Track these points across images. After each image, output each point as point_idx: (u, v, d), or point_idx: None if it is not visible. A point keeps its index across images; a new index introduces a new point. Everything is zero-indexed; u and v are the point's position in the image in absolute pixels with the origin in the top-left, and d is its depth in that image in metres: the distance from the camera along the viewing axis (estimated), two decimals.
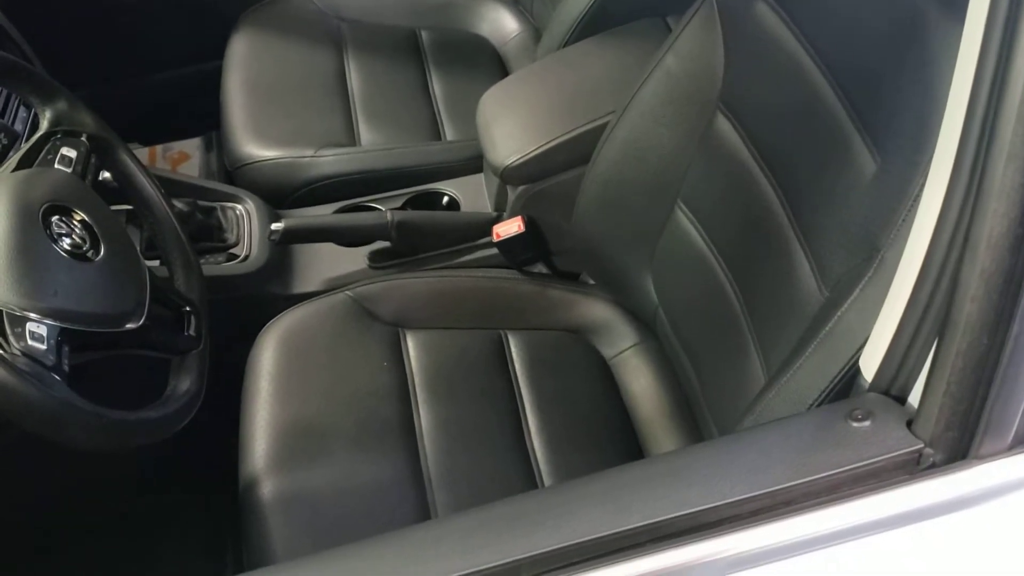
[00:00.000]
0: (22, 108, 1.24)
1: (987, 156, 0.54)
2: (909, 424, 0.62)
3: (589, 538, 0.58)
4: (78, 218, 0.95)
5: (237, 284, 1.39)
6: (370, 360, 1.27)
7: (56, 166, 0.99)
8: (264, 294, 1.41)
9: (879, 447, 0.60)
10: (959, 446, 0.59)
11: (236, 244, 1.41)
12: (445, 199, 1.54)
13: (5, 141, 1.12)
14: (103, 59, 1.81)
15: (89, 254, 0.94)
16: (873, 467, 0.59)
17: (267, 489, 1.13)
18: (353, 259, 1.46)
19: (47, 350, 0.85)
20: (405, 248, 1.43)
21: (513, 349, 1.33)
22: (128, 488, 1.43)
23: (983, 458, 0.59)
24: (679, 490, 0.59)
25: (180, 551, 1.39)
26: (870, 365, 0.66)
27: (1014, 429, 0.59)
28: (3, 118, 1.18)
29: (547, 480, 1.19)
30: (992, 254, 0.53)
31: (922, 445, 0.60)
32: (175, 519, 1.42)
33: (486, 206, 1.51)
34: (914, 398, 0.63)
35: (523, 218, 1.38)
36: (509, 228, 1.38)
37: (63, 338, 0.87)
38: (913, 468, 0.60)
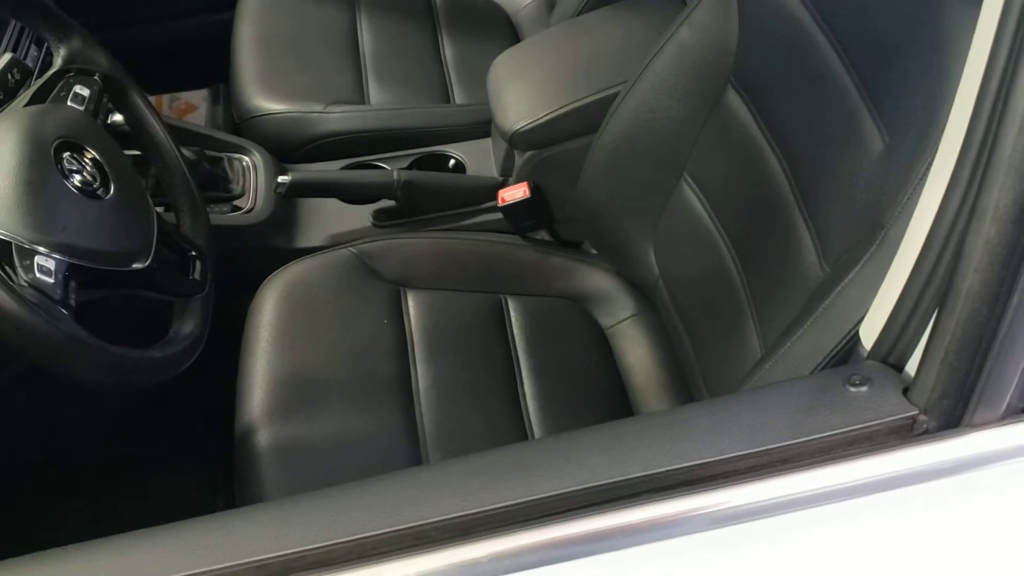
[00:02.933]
0: (34, 46, 1.24)
1: (999, 129, 0.54)
2: (905, 391, 0.63)
3: (587, 486, 0.59)
4: (89, 156, 0.95)
5: (241, 235, 1.39)
6: (370, 317, 1.28)
7: (69, 103, 1.00)
8: (267, 246, 1.42)
9: (875, 412, 0.61)
10: (953, 414, 0.60)
11: (241, 195, 1.42)
12: (451, 162, 1.55)
13: (18, 76, 1.12)
14: (114, 4, 1.81)
15: (99, 192, 0.94)
16: (868, 431, 0.60)
17: (263, 437, 1.14)
18: (357, 216, 1.46)
19: (54, 284, 0.85)
20: (410, 208, 1.44)
21: (512, 314, 1.34)
22: (125, 430, 1.44)
23: (975, 427, 0.60)
24: (678, 443, 0.60)
25: (172, 495, 1.40)
26: (870, 333, 0.68)
27: (1007, 400, 0.60)
28: (16, 53, 1.18)
29: None
30: (997, 226, 0.55)
31: (917, 412, 0.61)
32: (168, 464, 1.43)
33: (492, 171, 1.51)
34: (911, 367, 0.64)
35: (529, 184, 1.38)
36: (514, 193, 1.39)
37: (70, 273, 0.88)
38: (907, 434, 0.61)
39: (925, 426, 0.60)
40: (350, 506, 0.61)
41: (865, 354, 0.68)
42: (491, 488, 0.60)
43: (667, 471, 0.59)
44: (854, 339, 0.82)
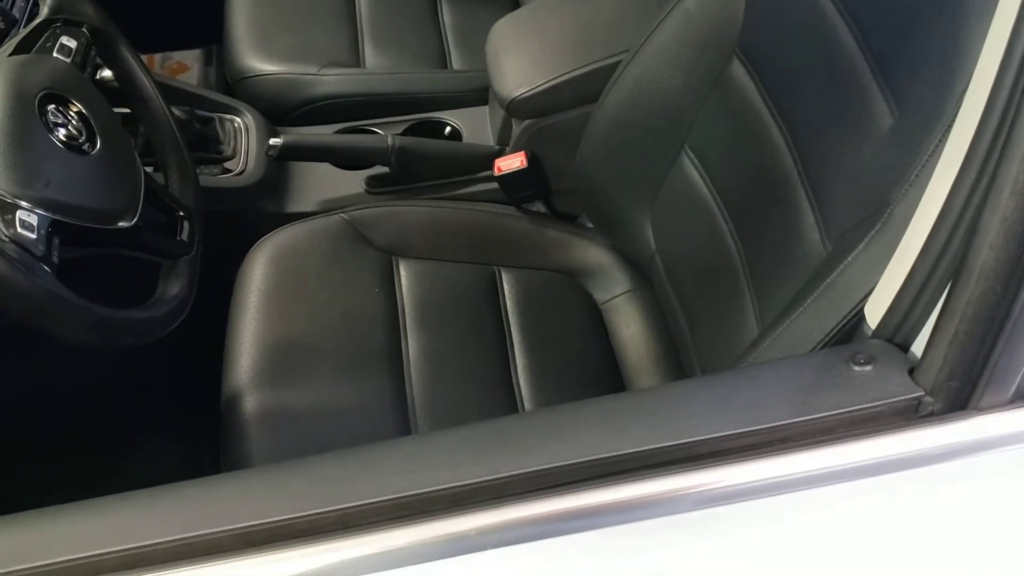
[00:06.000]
0: None
1: (1022, 100, 0.52)
2: (911, 372, 0.61)
3: (580, 460, 0.57)
4: (75, 109, 0.93)
5: (231, 198, 1.37)
6: (361, 285, 1.26)
7: (55, 55, 0.96)
8: (258, 210, 1.40)
9: (879, 392, 0.59)
10: (959, 396, 0.59)
11: (232, 157, 1.39)
12: (447, 129, 1.52)
13: (2, 26, 1.09)
14: None
15: (85, 147, 0.92)
16: (872, 411, 0.59)
17: (250, 404, 1.12)
18: (350, 182, 1.44)
19: (37, 240, 0.83)
20: (404, 175, 1.41)
21: (506, 286, 1.32)
22: (109, 393, 1.42)
23: (982, 410, 0.58)
24: (676, 419, 0.59)
25: (156, 459, 1.38)
26: (875, 312, 0.66)
27: (1016, 383, 0.58)
28: (2, 2, 1.14)
29: None
30: (1016, 201, 0.52)
31: (922, 393, 0.59)
32: (153, 428, 1.42)
33: (488, 139, 1.49)
34: (917, 347, 0.62)
35: (526, 154, 1.36)
36: (511, 163, 1.36)
37: (54, 230, 0.85)
38: (911, 415, 0.59)
39: (930, 408, 0.59)
40: (336, 475, 0.59)
41: (870, 332, 0.66)
42: (480, 460, 0.58)
43: (663, 447, 0.57)
44: (856, 318, 0.80)
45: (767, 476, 0.57)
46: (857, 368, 0.61)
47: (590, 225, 1.42)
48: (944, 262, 0.59)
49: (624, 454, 0.57)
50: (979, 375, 0.57)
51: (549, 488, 0.57)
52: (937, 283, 0.59)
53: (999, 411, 0.59)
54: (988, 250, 0.54)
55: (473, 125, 1.51)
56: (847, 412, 0.58)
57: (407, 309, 1.26)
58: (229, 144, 1.40)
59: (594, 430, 0.59)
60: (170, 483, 0.62)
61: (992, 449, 0.59)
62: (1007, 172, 0.52)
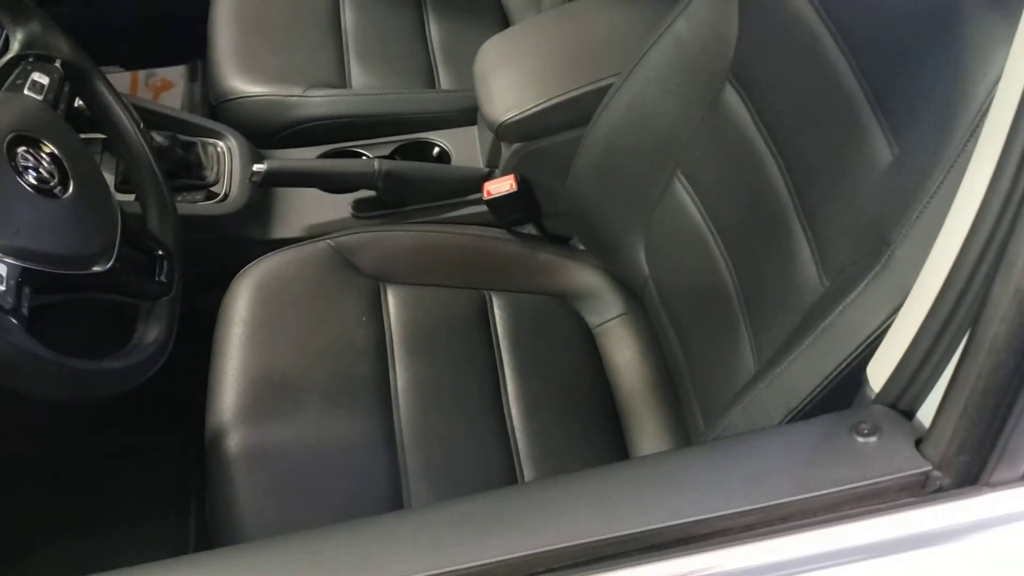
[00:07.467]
0: None
1: None
2: (918, 443, 0.58)
3: (572, 544, 0.54)
4: (47, 151, 0.89)
5: (214, 225, 1.33)
6: (348, 313, 1.23)
7: (26, 92, 0.93)
8: (242, 237, 1.36)
9: (885, 466, 0.57)
10: (969, 471, 0.56)
11: (215, 183, 1.36)
12: (436, 150, 1.49)
13: None
14: None
15: (56, 190, 0.88)
16: (877, 487, 0.56)
17: (234, 441, 1.10)
18: (336, 207, 1.41)
19: (6, 291, 0.80)
20: (391, 199, 1.38)
21: (496, 311, 1.29)
22: (93, 428, 1.39)
23: (994, 486, 0.56)
24: (672, 497, 0.56)
25: (143, 495, 1.36)
26: (878, 375, 0.63)
27: None
28: None
29: (523, 447, 1.16)
30: None
31: (930, 467, 0.56)
32: (139, 463, 1.39)
33: (478, 161, 1.46)
34: (923, 415, 0.59)
35: (516, 177, 1.33)
36: (500, 186, 1.33)
37: (24, 279, 0.82)
38: (919, 491, 0.56)
39: (939, 483, 0.56)
40: (315, 560, 0.56)
41: (872, 396, 0.63)
42: (467, 543, 0.55)
43: (659, 528, 0.54)
44: (855, 361, 0.78)
45: (766, 560, 0.54)
46: (861, 439, 0.58)
47: (582, 248, 1.39)
48: (951, 329, 0.56)
49: (619, 536, 0.54)
50: (990, 450, 0.55)
51: (540, 575, 0.54)
52: (944, 349, 0.57)
53: (1011, 487, 0.56)
54: (1000, 323, 0.51)
55: (462, 145, 1.48)
56: (851, 488, 0.56)
57: (395, 337, 1.23)
58: (212, 169, 1.37)
59: (587, 508, 0.56)
60: (147, 563, 0.59)
61: (1003, 526, 0.57)
62: (1020, 244, 0.50)
